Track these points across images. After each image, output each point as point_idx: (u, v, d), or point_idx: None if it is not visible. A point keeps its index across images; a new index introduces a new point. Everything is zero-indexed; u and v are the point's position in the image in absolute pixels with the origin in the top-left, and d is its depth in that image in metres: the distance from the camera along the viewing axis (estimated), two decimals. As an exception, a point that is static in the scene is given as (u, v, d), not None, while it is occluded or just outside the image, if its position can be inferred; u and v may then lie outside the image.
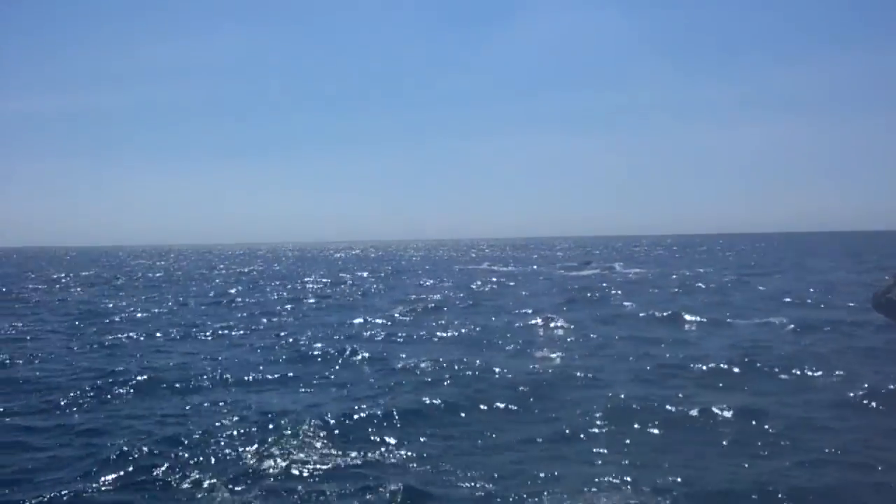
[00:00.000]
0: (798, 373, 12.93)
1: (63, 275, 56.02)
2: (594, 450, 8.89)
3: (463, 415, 10.74)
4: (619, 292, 31.09)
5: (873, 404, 10.71)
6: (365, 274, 50.25)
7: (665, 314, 22.14)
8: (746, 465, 8.23)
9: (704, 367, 13.61)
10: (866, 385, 11.70)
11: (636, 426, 9.82)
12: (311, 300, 31.62)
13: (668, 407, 10.67)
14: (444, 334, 19.01)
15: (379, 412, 10.65)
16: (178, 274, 57.97)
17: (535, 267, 58.54)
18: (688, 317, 21.55)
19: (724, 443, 9.08)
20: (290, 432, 9.65)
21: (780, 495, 7.29)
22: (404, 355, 15.72)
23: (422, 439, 9.51)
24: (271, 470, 8.34)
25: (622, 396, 11.34)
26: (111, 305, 29.30)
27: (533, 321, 21.24)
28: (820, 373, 12.88)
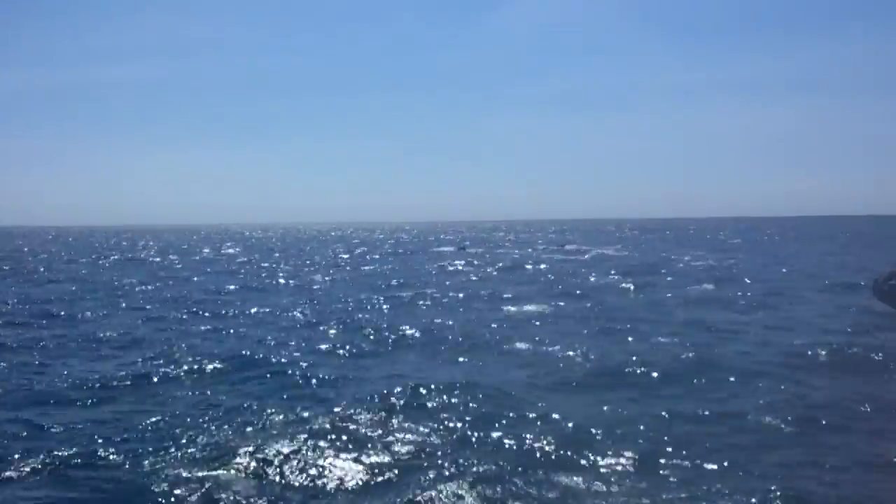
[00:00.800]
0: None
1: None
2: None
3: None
4: (629, 279, 30.93)
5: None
6: (376, 257, 49.87)
7: (682, 299, 21.90)
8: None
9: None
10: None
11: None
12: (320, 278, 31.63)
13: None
14: (440, 321, 18.67)
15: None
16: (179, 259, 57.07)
17: (529, 250, 58.45)
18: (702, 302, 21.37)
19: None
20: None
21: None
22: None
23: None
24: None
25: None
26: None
27: (527, 308, 21.03)
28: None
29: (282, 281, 32.21)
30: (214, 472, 7.66)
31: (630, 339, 15.28)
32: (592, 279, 30.14)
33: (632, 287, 26.27)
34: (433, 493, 7.09)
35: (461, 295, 24.65)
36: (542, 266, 38.49)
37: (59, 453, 8.29)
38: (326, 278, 33.37)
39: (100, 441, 8.77)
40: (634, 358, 12.94)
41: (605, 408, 10.01)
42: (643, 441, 8.54)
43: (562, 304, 21.64)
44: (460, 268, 38.17)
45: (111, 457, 8.18)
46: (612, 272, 33.09)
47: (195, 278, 33.98)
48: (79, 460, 8.11)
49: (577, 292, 24.95)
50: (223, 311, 21.05)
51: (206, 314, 20.49)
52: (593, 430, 8.88)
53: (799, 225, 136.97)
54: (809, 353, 13.36)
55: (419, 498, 7.01)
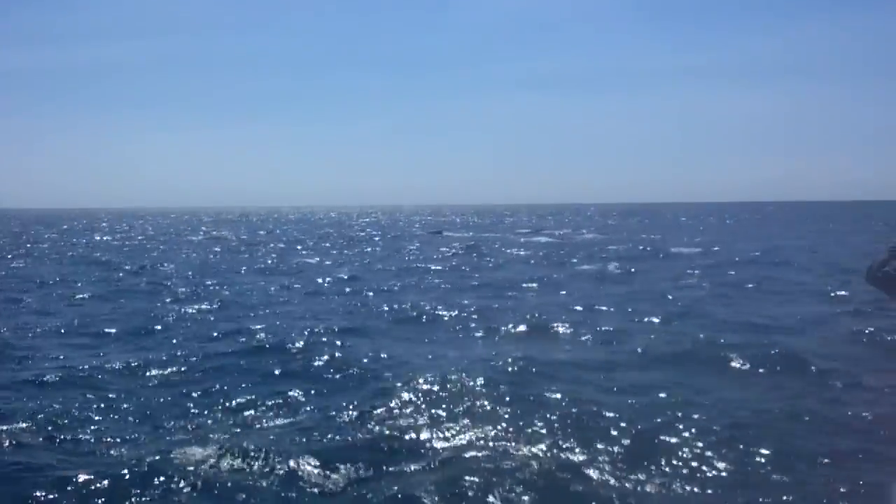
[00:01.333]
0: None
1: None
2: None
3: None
4: (614, 264, 30.64)
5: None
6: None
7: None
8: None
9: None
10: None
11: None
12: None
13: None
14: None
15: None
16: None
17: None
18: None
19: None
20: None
21: None
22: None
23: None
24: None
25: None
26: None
27: (509, 293, 20.71)
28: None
29: (269, 263, 32.14)
30: (190, 458, 7.32)
31: (617, 326, 14.88)
32: (577, 265, 29.87)
33: (617, 273, 26.04)
34: (425, 480, 6.82)
35: (443, 279, 24.43)
36: (523, 252, 38.20)
37: (25, 440, 7.97)
38: (310, 261, 33.14)
39: (69, 427, 8.44)
40: (622, 346, 12.80)
41: (597, 395, 9.77)
42: (623, 428, 8.26)
43: (546, 289, 21.36)
44: (444, 254, 37.86)
45: (78, 445, 7.85)
46: (598, 257, 32.93)
47: (181, 260, 33.61)
48: (46, 449, 7.78)
49: (559, 276, 24.73)
50: (205, 294, 20.74)
51: (190, 296, 20.17)
52: (584, 417, 8.65)
53: (787, 209, 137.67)
54: (803, 342, 13.05)
55: (409, 481, 6.76)
